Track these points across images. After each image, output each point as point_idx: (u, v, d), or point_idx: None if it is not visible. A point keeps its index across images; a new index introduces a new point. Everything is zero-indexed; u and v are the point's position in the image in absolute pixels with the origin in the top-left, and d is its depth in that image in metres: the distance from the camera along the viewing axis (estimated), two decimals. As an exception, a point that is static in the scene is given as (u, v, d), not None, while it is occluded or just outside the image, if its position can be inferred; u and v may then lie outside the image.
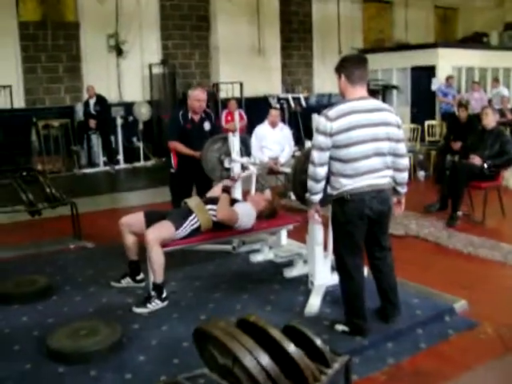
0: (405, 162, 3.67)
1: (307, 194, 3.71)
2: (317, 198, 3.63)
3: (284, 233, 5.04)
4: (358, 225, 3.54)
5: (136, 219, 4.44)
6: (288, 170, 4.39)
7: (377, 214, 3.55)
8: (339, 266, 3.72)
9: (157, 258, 4.04)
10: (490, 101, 12.80)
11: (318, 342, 2.29)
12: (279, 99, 13.96)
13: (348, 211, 3.50)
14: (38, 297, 4.32)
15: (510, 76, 15.50)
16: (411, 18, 16.54)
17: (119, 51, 11.98)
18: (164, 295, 4.13)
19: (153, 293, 4.12)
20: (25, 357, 3.41)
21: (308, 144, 4.29)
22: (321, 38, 15.33)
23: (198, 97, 5.42)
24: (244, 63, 13.36)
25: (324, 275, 4.34)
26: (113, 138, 11.74)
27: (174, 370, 3.19)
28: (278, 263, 4.90)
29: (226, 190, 4.62)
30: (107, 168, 11.38)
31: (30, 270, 4.97)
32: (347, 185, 3.47)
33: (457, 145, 8.50)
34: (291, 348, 2.12)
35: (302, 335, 2.34)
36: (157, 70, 12.51)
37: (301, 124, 13.68)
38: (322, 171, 3.50)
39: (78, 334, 3.46)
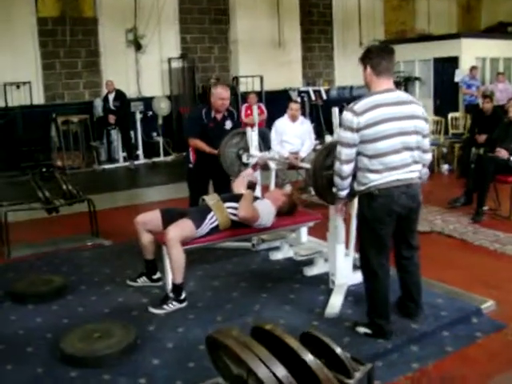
0: (429, 157, 3.56)
1: (334, 189, 3.59)
2: (344, 193, 3.53)
3: (304, 230, 4.90)
4: (386, 222, 3.40)
5: (152, 217, 4.34)
6: (308, 165, 4.26)
7: (406, 210, 3.42)
8: (364, 264, 3.58)
9: (178, 257, 3.94)
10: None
11: (338, 350, 2.16)
12: (300, 92, 13.80)
13: (376, 207, 3.37)
14: (53, 296, 4.25)
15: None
16: (433, 8, 16.21)
17: (138, 46, 11.92)
18: (182, 296, 4.03)
19: (171, 294, 4.02)
20: (37, 360, 3.33)
21: (328, 138, 4.14)
22: (341, 29, 15.10)
23: (221, 95, 5.26)
24: (264, 56, 13.21)
25: (345, 274, 4.20)
26: (132, 134, 11.69)
27: (190, 374, 3.11)
28: (298, 261, 4.76)
29: (251, 186, 4.48)
30: (127, 163, 11.33)
31: (45, 269, 4.93)
32: (375, 180, 3.34)
33: (481, 137, 8.27)
34: (309, 358, 2.00)
35: (321, 343, 2.21)
36: (176, 65, 12.44)
37: (322, 117, 13.53)
38: (348, 168, 3.38)
39: (91, 337, 3.37)
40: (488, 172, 6.18)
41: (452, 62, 13.47)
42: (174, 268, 3.99)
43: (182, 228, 4.03)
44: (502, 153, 6.23)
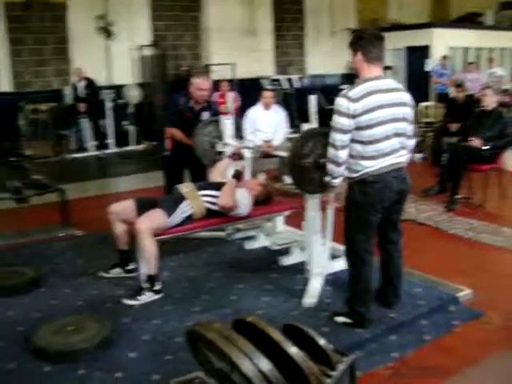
0: (413, 142, 3.59)
1: (328, 178, 3.56)
2: (338, 181, 3.53)
3: (280, 219, 4.86)
4: (378, 208, 3.41)
5: (126, 207, 4.24)
6: (282, 153, 4.21)
7: (397, 194, 3.44)
8: (350, 250, 3.56)
9: (149, 248, 3.86)
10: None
11: (322, 341, 2.12)
12: (272, 80, 13.72)
13: (370, 193, 3.36)
14: (25, 289, 4.13)
15: (504, 55, 15.32)
16: (405, -3, 16.26)
17: (108, 33, 11.64)
18: (157, 287, 3.95)
19: (145, 284, 3.94)
20: (9, 355, 3.22)
21: (304, 127, 4.08)
22: (313, 18, 15.01)
23: (200, 85, 5.12)
24: (236, 44, 13.10)
25: (322, 263, 4.16)
26: (103, 122, 11.46)
27: (167, 367, 3.05)
28: (273, 251, 4.72)
29: (237, 176, 4.38)
30: (97, 152, 11.13)
31: (16, 261, 4.78)
32: (369, 166, 3.33)
33: (454, 126, 8.34)
34: (293, 351, 1.95)
35: (304, 334, 2.17)
36: (147, 52, 12.23)
37: (294, 106, 13.47)
38: (343, 154, 3.35)
39: (65, 331, 3.28)
40: (462, 161, 6.22)
41: (424, 51, 13.53)
42: (146, 258, 3.92)
43: (152, 218, 3.95)
44: (476, 142, 6.27)
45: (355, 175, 3.40)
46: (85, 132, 11.48)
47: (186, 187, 4.30)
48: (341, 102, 3.29)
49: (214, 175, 4.72)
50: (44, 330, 3.31)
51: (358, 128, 3.29)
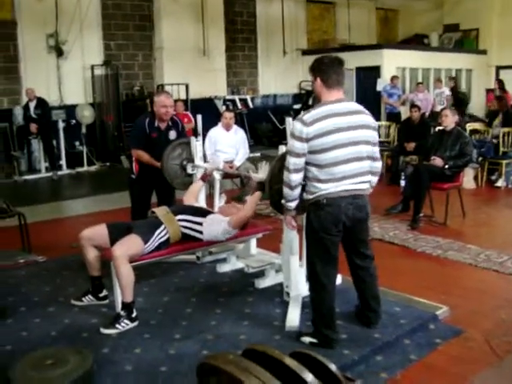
0: (379, 165, 3.57)
1: (283, 201, 3.53)
2: (293, 204, 3.49)
3: (254, 242, 4.81)
4: (332, 232, 3.39)
5: (98, 232, 4.09)
6: (260, 175, 4.19)
7: (352, 221, 3.42)
8: (310, 273, 3.56)
9: (126, 275, 3.74)
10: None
11: (333, 367, 2.08)
12: (225, 100, 13.73)
13: (323, 216, 3.35)
14: (-9, 320, 3.93)
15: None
16: (353, 19, 16.62)
17: (59, 52, 11.41)
18: (134, 314, 3.83)
19: (122, 312, 3.81)
20: (-17, 393, 3.05)
21: (282, 149, 4.06)
22: (265, 38, 15.18)
23: (163, 103, 5.08)
24: (189, 64, 13.04)
25: (300, 286, 4.14)
26: (55, 143, 11.16)
27: (156, 399, 2.93)
28: (247, 273, 4.65)
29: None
30: (49, 174, 10.81)
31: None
32: (324, 189, 3.32)
33: (410, 145, 8.55)
34: (310, 378, 1.91)
35: (314, 360, 2.13)
36: (99, 72, 12.05)
37: (246, 125, 13.51)
38: (297, 177, 3.35)
39: (43, 364, 3.09)
40: (424, 180, 6.33)
41: (374, 72, 13.84)
42: (122, 286, 3.80)
43: (129, 245, 3.84)
44: (437, 161, 6.41)
45: (310, 197, 3.40)
46: (36, 153, 11.18)
47: (161, 211, 4.20)
48: (296, 126, 3.31)
49: (188, 198, 4.64)
50: (21, 364, 3.11)
51: (312, 152, 3.29)
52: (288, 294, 4.13)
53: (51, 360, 3.12)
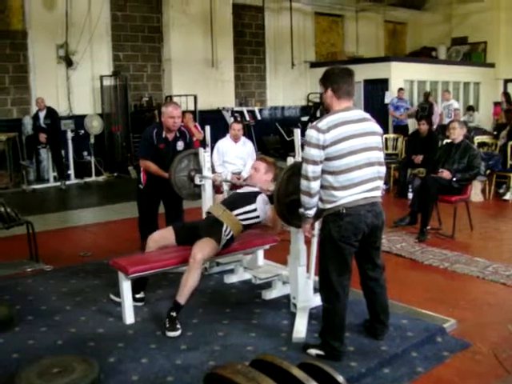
0: (384, 169, 3.61)
1: (301, 210, 3.53)
2: (312, 212, 3.49)
3: (261, 253, 4.81)
4: (352, 241, 3.40)
5: (166, 236, 4.37)
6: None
7: (371, 229, 3.43)
8: (324, 284, 3.52)
9: (196, 279, 3.95)
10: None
11: (341, 379, 2.07)
12: (233, 112, 13.78)
13: (343, 226, 3.35)
14: (-1, 329, 3.93)
15: (459, 89, 15.85)
16: (362, 31, 16.72)
17: (69, 62, 11.52)
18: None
19: (173, 313, 3.92)
20: (-10, 401, 3.06)
21: (290, 160, 4.06)
22: (274, 50, 15.28)
23: (171, 114, 5.10)
24: (197, 75, 13.13)
25: (307, 297, 4.13)
26: (63, 153, 11.23)
27: (162, 409, 2.93)
28: (254, 284, 4.65)
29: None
30: (57, 183, 10.87)
31: (-15, 299, 4.57)
32: (342, 198, 3.33)
33: (418, 158, 8.53)
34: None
35: (321, 372, 2.12)
36: (108, 82, 12.14)
37: (254, 137, 13.55)
38: (316, 185, 3.36)
39: (50, 373, 3.10)
40: (432, 192, 6.32)
41: (382, 84, 13.87)
42: (186, 287, 3.95)
43: (209, 249, 4.04)
44: (445, 174, 6.40)
45: (329, 206, 3.39)
46: (44, 162, 11.25)
47: (217, 210, 4.35)
48: (311, 134, 3.33)
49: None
50: (27, 372, 3.12)
51: (328, 159, 3.31)
52: (295, 305, 4.12)
53: (58, 368, 3.14)
